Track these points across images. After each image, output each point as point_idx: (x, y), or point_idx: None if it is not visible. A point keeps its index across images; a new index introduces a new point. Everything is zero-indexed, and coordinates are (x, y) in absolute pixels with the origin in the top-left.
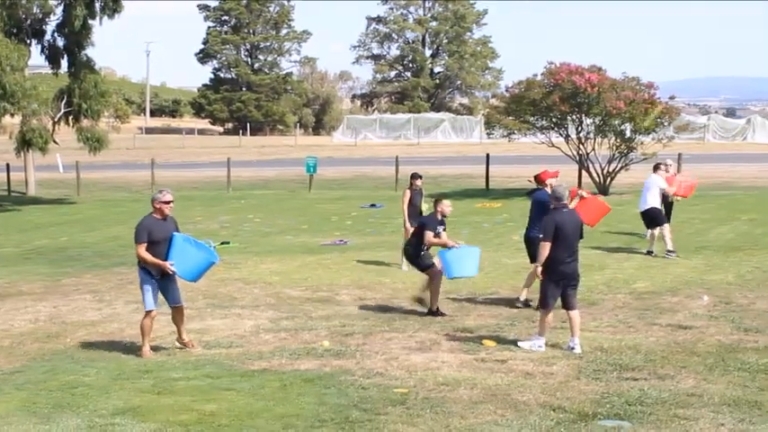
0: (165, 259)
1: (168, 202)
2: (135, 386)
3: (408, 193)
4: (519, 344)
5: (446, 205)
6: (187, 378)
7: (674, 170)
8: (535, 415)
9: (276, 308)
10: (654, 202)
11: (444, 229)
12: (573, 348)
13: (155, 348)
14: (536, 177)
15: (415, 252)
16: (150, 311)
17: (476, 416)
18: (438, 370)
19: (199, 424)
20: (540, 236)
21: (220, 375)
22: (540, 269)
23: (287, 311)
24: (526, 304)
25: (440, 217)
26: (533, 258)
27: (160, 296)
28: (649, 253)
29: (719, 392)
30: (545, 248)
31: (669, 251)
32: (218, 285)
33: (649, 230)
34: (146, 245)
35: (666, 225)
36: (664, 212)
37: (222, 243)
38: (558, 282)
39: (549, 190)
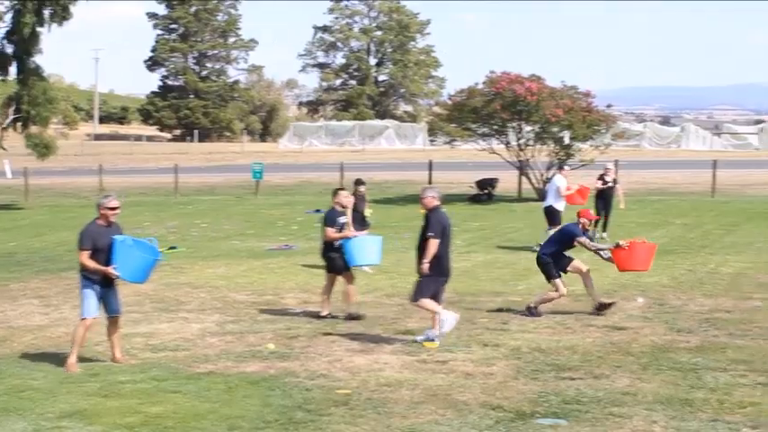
0: (108, 266)
1: (114, 209)
2: (82, 389)
3: (352, 198)
4: (443, 330)
5: (344, 196)
6: (134, 381)
7: (614, 175)
8: (475, 414)
9: (222, 311)
10: (551, 200)
11: (346, 222)
12: (417, 339)
13: (97, 355)
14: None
15: (326, 252)
16: (86, 319)
17: (417, 416)
18: (380, 371)
19: (145, 426)
20: (431, 234)
21: (166, 378)
22: (426, 265)
23: (233, 315)
24: (604, 306)
25: (339, 209)
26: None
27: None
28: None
29: (653, 391)
30: (434, 246)
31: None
32: (165, 289)
33: (551, 227)
34: (89, 252)
35: (554, 227)
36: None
37: (170, 248)
38: (439, 278)
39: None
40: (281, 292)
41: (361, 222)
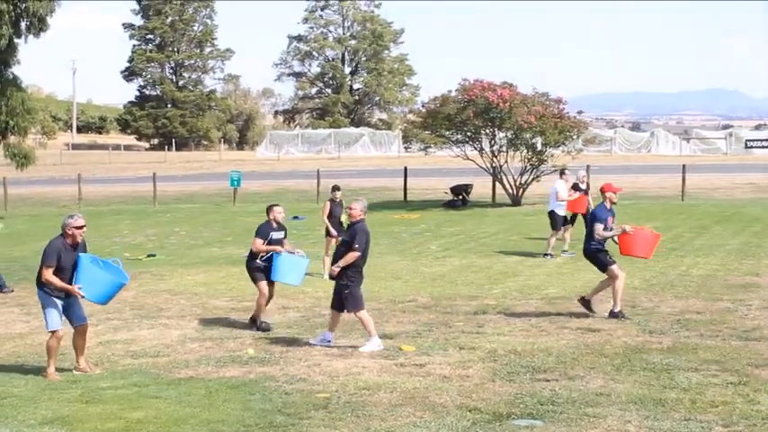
0: (71, 283)
1: (81, 227)
2: (63, 396)
3: (328, 204)
4: (361, 349)
5: (278, 212)
6: (115, 387)
7: (586, 180)
8: (452, 416)
9: (202, 317)
10: (552, 205)
11: (285, 236)
12: (327, 342)
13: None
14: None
15: (248, 262)
16: (56, 332)
17: (395, 418)
18: (359, 375)
19: (126, 431)
20: (357, 246)
21: (147, 384)
22: (338, 270)
23: (212, 321)
24: (618, 315)
25: (275, 225)
26: (602, 269)
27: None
28: (545, 256)
29: (626, 391)
30: (354, 257)
31: (546, 254)
32: (145, 296)
33: (553, 231)
34: (53, 269)
35: (556, 231)
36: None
37: (149, 255)
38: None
39: (607, 204)
40: None
41: (338, 227)
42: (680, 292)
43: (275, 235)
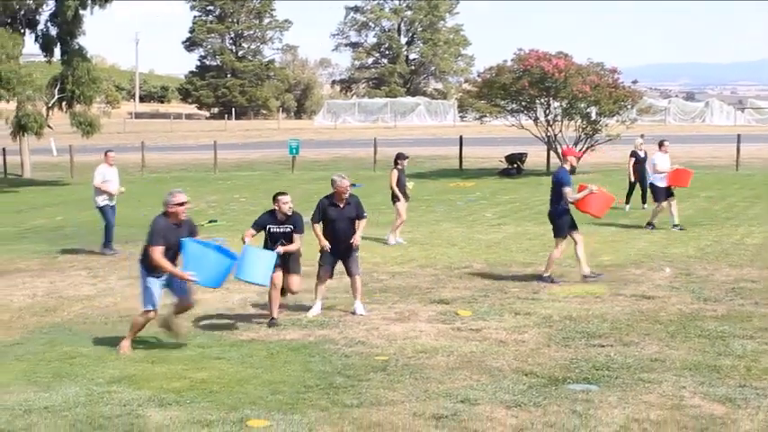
0: (175, 262)
1: (182, 204)
2: (130, 356)
3: (396, 172)
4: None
5: (283, 202)
6: (179, 348)
7: (643, 148)
8: (508, 380)
9: None
10: (652, 178)
11: (294, 233)
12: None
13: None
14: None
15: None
16: (149, 311)
17: (452, 381)
18: (416, 339)
19: (191, 390)
20: (365, 215)
21: (211, 345)
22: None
23: None
24: (592, 276)
25: (280, 216)
26: (557, 233)
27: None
28: (648, 226)
29: (681, 358)
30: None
31: (649, 223)
32: None
33: (656, 203)
34: (162, 249)
35: (659, 204)
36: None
37: (210, 221)
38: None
39: (567, 167)
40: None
41: (404, 194)
42: (734, 261)
43: (275, 229)
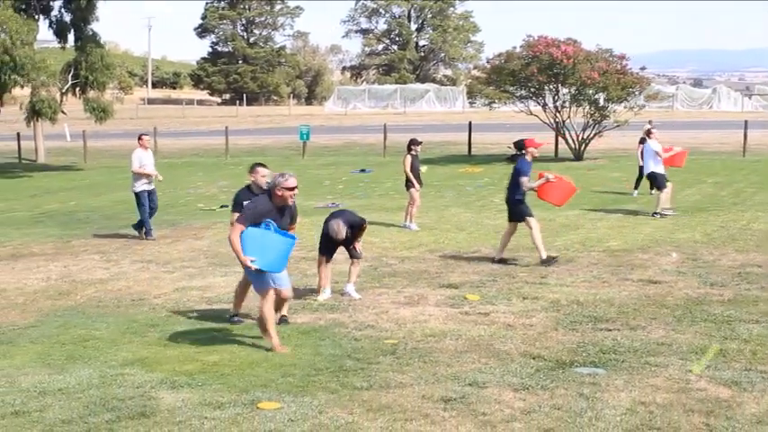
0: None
1: (293, 189)
2: (142, 339)
3: (409, 158)
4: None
5: (261, 174)
6: (191, 331)
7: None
8: (516, 363)
9: None
10: (652, 166)
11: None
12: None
13: (156, 307)
14: (520, 143)
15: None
16: (266, 291)
17: (461, 364)
18: (425, 322)
19: (203, 373)
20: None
21: (222, 329)
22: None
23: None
24: (504, 262)
25: (257, 190)
26: (512, 218)
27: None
28: (654, 215)
29: (687, 342)
30: None
31: (655, 212)
32: (218, 245)
33: (661, 191)
34: (244, 228)
35: (665, 189)
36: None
37: (222, 206)
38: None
39: (528, 158)
40: None
41: (417, 179)
42: (741, 246)
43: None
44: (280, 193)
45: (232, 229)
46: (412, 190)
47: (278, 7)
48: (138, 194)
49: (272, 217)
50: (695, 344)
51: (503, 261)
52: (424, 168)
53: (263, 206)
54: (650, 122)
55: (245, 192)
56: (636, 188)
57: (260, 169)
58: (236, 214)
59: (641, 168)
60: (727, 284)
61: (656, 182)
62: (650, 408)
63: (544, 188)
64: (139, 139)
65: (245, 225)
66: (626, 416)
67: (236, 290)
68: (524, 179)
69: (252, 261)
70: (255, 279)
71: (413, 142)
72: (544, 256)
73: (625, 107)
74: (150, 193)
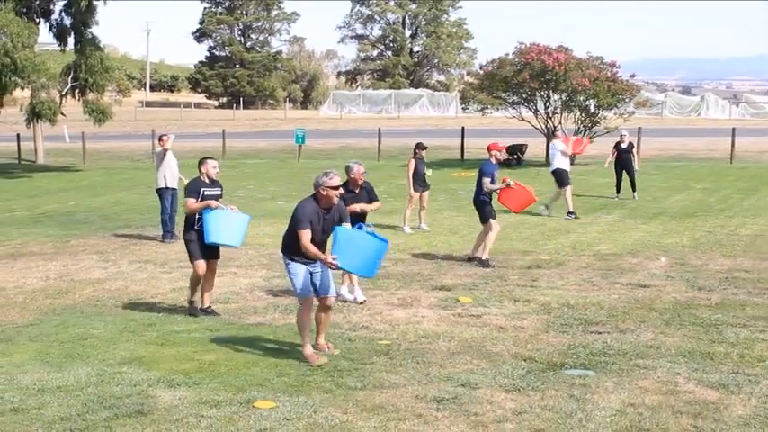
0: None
1: (337, 188)
2: (140, 338)
3: (413, 162)
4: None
5: (211, 166)
6: (188, 331)
7: (629, 140)
8: (507, 365)
9: (269, 267)
10: (558, 163)
11: (222, 195)
12: (356, 299)
13: (153, 306)
14: (488, 147)
15: (185, 233)
16: (306, 299)
17: (453, 365)
18: (418, 324)
19: (199, 372)
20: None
21: (219, 329)
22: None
23: (279, 271)
24: (485, 263)
25: (207, 180)
26: (483, 220)
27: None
28: (569, 215)
29: (675, 345)
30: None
31: (570, 212)
32: None
33: (561, 188)
34: (309, 232)
35: (568, 187)
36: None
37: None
38: None
39: (493, 161)
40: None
41: (422, 183)
42: (728, 251)
43: (208, 191)
44: (324, 193)
45: (301, 236)
46: (411, 191)
47: (275, 13)
48: (161, 194)
49: (318, 218)
50: (683, 347)
51: (474, 259)
52: (429, 171)
53: (308, 209)
54: (558, 130)
55: (195, 181)
56: (618, 192)
57: (209, 161)
58: (190, 199)
59: (618, 173)
60: (715, 289)
61: (560, 178)
62: (639, 409)
63: (503, 193)
64: (160, 139)
65: (306, 228)
66: (615, 417)
67: (191, 280)
68: (486, 180)
69: (334, 259)
70: (296, 285)
71: (418, 146)
72: (484, 257)
73: (615, 114)
74: (173, 192)
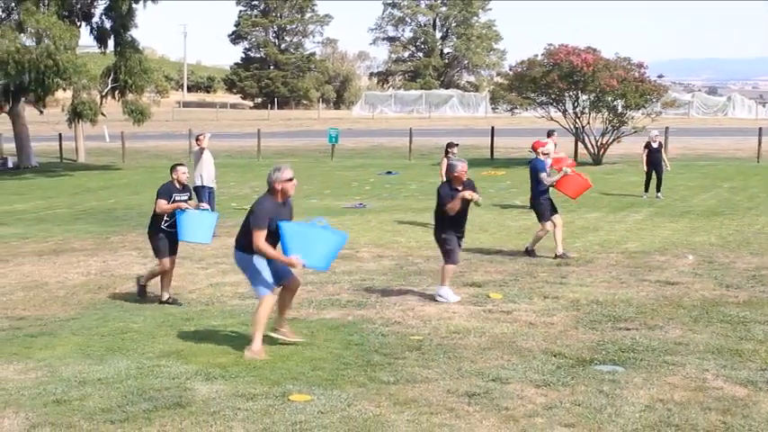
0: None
1: (290, 179)
2: (178, 332)
3: (446, 161)
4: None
5: (181, 172)
6: (225, 325)
7: (660, 141)
8: (538, 360)
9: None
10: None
11: (189, 198)
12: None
13: (190, 301)
14: (532, 146)
15: (151, 230)
16: (266, 296)
17: (484, 360)
18: (450, 320)
19: (236, 366)
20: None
21: None
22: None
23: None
24: (563, 256)
25: (178, 185)
26: (539, 218)
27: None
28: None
29: (704, 341)
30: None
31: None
32: None
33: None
34: (264, 231)
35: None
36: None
37: None
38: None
39: (541, 157)
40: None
41: None
42: (755, 249)
43: (179, 197)
44: (279, 187)
45: (255, 237)
46: None
47: (308, 15)
48: (199, 193)
49: (278, 212)
50: (711, 344)
51: (559, 257)
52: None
53: (266, 206)
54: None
55: (167, 185)
56: (645, 191)
57: (180, 168)
58: (161, 201)
59: (648, 172)
60: (743, 286)
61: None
62: (668, 405)
63: (562, 180)
64: (197, 138)
65: (263, 228)
66: (644, 412)
67: (153, 272)
68: (543, 175)
69: (298, 259)
70: (258, 282)
71: (450, 145)
72: (559, 252)
73: (642, 114)
74: (210, 191)
